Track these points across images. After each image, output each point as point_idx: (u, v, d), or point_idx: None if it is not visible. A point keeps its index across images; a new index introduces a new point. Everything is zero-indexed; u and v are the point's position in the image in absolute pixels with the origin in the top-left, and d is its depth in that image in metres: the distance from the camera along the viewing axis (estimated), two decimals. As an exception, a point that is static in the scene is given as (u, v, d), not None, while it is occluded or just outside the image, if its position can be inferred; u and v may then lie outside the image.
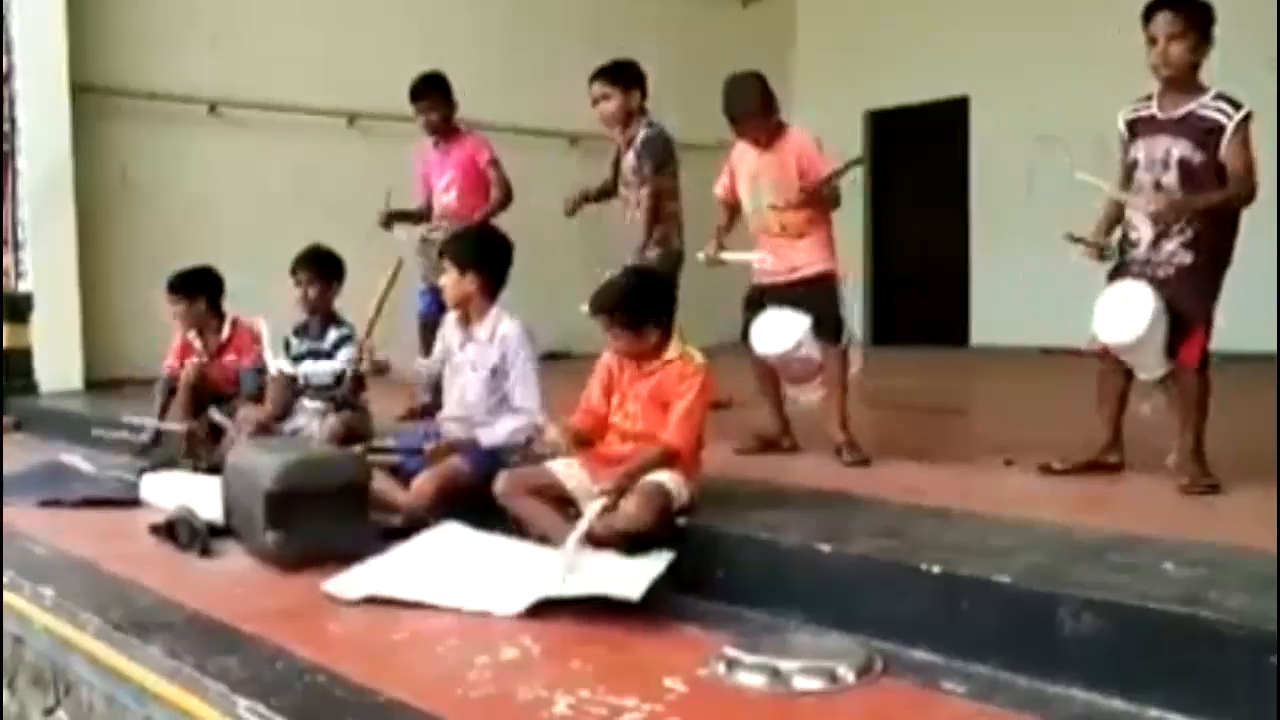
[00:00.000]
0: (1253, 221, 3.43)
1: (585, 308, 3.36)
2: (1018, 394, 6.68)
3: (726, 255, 4.32)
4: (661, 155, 5.03)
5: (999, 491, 3.61)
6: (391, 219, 5.76)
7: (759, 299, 4.25)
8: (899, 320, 10.41)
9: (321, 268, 4.65)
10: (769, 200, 4.21)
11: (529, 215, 5.63)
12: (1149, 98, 3.46)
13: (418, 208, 5.86)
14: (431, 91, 5.58)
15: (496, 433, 3.79)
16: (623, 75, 5.02)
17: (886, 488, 3.58)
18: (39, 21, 7.08)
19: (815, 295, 4.13)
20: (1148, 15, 3.38)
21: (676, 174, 5.15)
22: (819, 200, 4.13)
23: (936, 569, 2.57)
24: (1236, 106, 3.28)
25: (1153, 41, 3.35)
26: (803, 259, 4.17)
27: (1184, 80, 3.35)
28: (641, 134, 5.01)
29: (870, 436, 4.21)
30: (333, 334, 4.62)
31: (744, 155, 4.32)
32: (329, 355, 4.60)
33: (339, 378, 4.53)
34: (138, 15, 7.57)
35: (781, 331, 4.08)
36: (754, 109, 4.14)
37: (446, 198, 5.65)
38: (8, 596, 3.26)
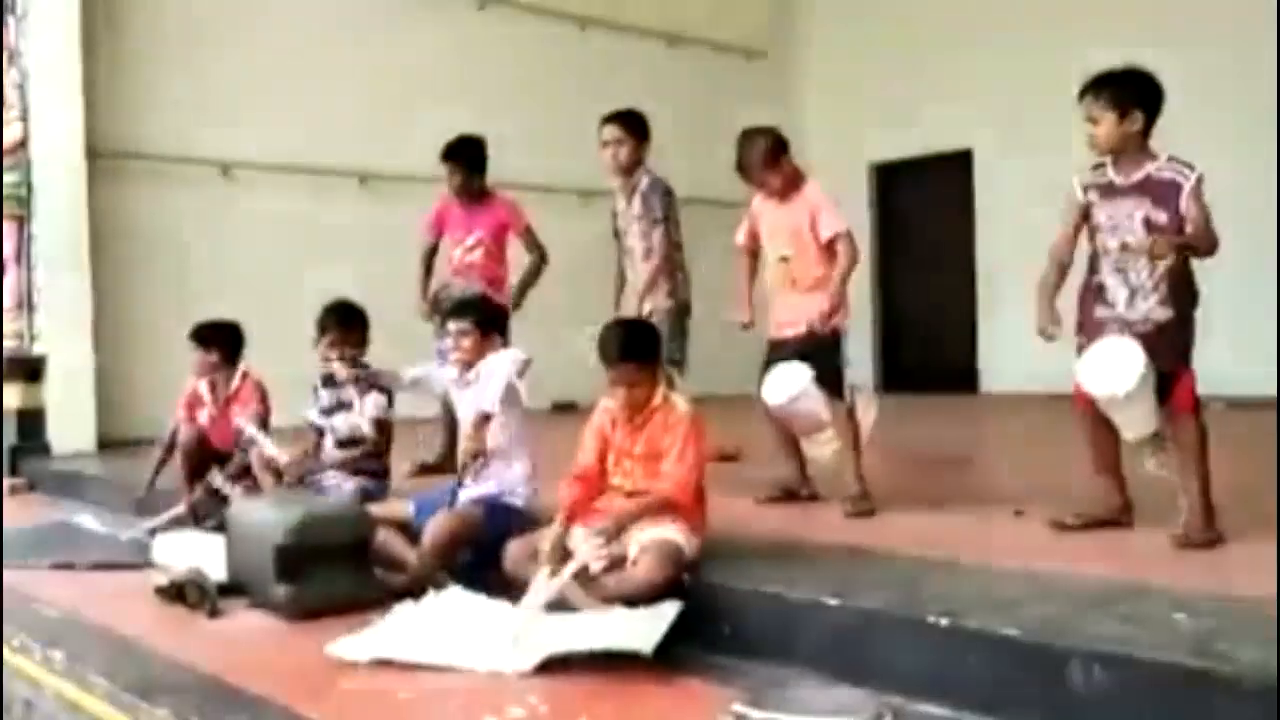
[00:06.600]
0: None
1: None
2: (1026, 441, 6.67)
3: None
4: (670, 200, 5.13)
5: (1008, 542, 3.59)
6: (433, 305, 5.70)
7: (772, 354, 4.29)
8: (908, 368, 10.42)
9: (350, 325, 4.54)
10: (782, 253, 4.30)
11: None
12: (1101, 166, 3.56)
13: (422, 260, 5.81)
14: (457, 157, 5.61)
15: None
16: (636, 123, 5.13)
17: (895, 539, 3.57)
18: (56, 89, 7.22)
19: (816, 349, 4.17)
20: (1081, 98, 3.53)
21: (679, 225, 5.24)
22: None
23: (944, 622, 2.56)
24: (1191, 167, 3.42)
25: (1090, 122, 3.50)
26: (813, 312, 4.18)
27: (1133, 149, 3.47)
28: (647, 179, 5.11)
29: (880, 486, 4.20)
30: (358, 385, 4.58)
31: (763, 207, 4.41)
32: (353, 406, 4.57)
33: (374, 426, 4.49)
34: (151, 81, 7.71)
35: (783, 384, 4.12)
36: (760, 163, 4.24)
37: (471, 256, 5.64)
38: (20, 660, 3.27)
